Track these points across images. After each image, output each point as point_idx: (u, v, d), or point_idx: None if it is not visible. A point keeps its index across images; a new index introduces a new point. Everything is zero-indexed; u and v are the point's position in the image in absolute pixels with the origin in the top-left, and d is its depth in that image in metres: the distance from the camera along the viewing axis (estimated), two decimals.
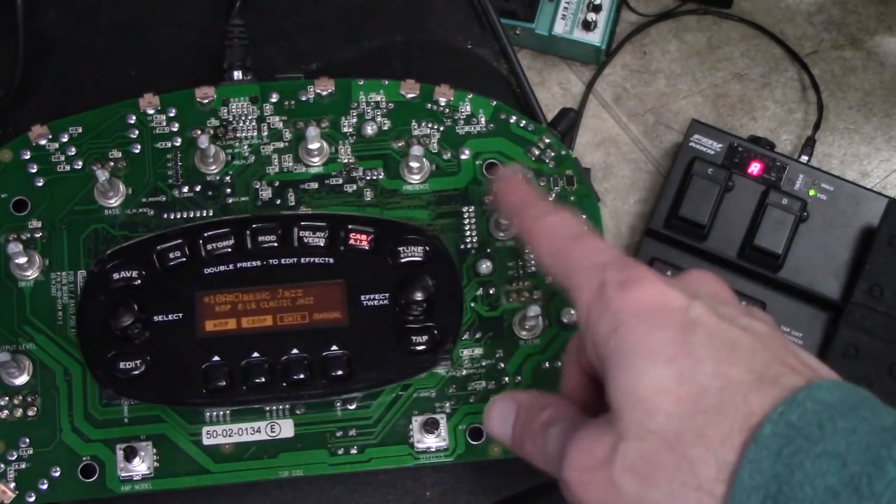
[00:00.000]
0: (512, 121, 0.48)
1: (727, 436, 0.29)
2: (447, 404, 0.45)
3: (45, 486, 0.44)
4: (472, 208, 0.47)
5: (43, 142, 0.47)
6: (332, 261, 0.45)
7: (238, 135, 0.48)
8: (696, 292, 0.33)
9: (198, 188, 0.47)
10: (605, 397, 0.32)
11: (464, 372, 0.45)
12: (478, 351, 0.45)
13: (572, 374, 0.37)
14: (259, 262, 0.45)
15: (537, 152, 0.48)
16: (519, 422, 0.37)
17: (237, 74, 0.49)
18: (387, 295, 0.44)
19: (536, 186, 0.41)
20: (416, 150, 0.46)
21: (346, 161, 0.47)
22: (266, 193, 0.47)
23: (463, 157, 0.48)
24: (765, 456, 0.29)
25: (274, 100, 0.48)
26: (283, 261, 0.45)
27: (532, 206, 0.37)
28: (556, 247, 0.36)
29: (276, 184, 0.47)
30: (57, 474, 0.44)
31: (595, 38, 0.58)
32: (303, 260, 0.45)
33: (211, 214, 0.46)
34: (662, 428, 0.30)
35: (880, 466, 0.27)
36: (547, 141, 0.48)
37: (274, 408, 0.45)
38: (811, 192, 0.55)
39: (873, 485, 0.27)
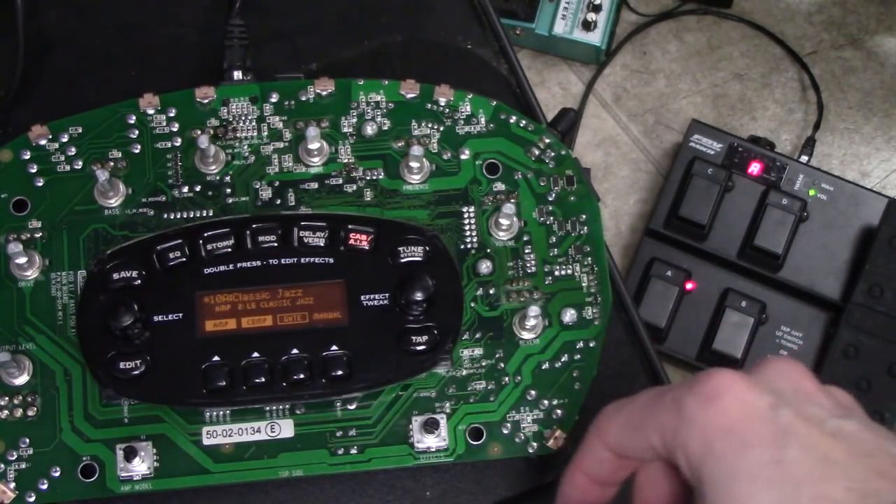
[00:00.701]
0: (512, 121, 0.48)
1: None
2: (447, 404, 0.45)
3: (45, 486, 0.44)
4: (472, 208, 0.47)
5: (43, 142, 0.47)
6: (332, 261, 0.45)
7: (238, 135, 0.47)
8: (778, 389, 0.33)
9: (198, 188, 0.47)
10: None
11: (464, 372, 0.45)
12: (478, 351, 0.45)
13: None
14: (259, 262, 0.45)
15: (537, 152, 0.48)
16: None
17: (237, 74, 0.49)
18: (387, 295, 0.44)
19: None
20: (416, 150, 0.46)
21: (346, 161, 0.47)
22: (266, 193, 0.47)
23: (463, 157, 0.48)
24: None
25: (274, 100, 0.48)
26: (283, 261, 0.45)
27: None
28: (607, 432, 0.36)
29: (276, 184, 0.47)
30: (57, 474, 0.44)
31: (595, 38, 0.58)
32: (303, 260, 0.45)
33: (211, 214, 0.46)
34: None
35: None
36: (547, 141, 0.48)
37: (274, 408, 0.44)
38: (811, 192, 0.55)
39: None
